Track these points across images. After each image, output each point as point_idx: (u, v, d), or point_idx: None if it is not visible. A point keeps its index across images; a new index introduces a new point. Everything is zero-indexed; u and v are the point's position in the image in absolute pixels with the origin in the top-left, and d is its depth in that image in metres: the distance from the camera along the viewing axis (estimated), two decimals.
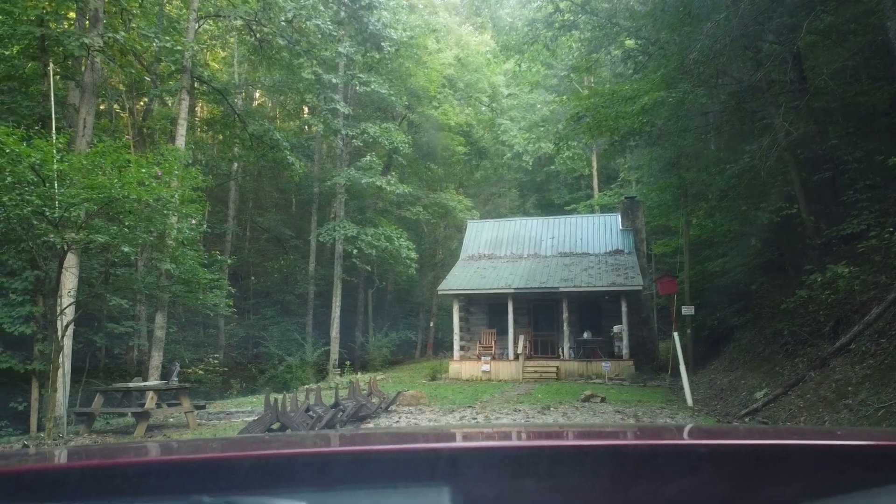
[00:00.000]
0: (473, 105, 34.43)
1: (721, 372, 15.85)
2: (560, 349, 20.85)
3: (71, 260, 14.08)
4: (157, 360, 17.52)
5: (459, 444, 1.49)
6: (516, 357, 20.39)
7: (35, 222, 9.16)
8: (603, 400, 13.42)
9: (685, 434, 1.67)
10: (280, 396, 9.98)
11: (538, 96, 37.98)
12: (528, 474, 1.17)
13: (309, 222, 30.55)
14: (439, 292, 21.87)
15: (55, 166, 8.69)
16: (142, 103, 25.02)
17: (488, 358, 20.59)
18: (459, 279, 22.12)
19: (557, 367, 19.80)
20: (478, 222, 26.89)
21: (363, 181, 24.51)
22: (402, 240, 25.44)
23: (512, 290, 20.65)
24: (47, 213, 8.77)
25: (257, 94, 36.45)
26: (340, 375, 21.53)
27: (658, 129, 15.83)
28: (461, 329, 21.67)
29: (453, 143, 31.33)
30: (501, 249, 24.49)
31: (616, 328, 20.21)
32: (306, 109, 35.27)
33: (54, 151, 8.89)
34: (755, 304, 16.21)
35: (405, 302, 36.26)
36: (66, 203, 8.74)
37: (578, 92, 40.46)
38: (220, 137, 25.58)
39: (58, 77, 17.63)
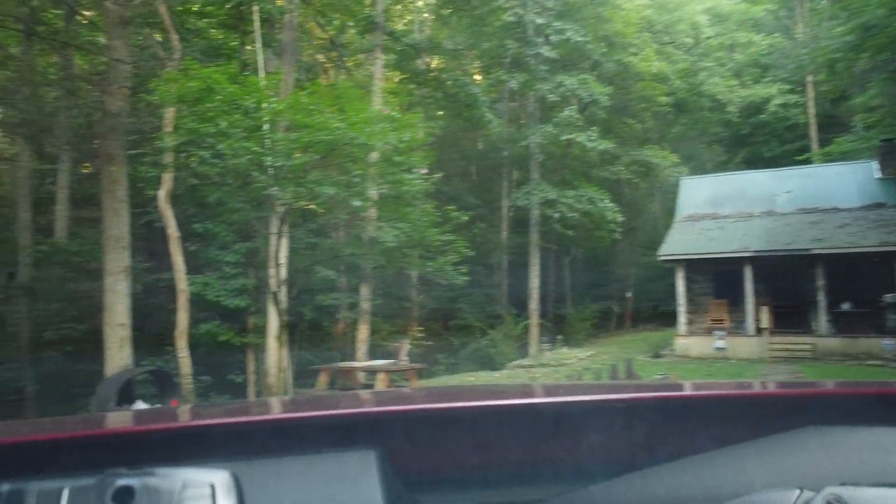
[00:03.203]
0: (671, 51, 30.82)
1: None
2: (813, 322, 17.48)
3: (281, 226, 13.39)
4: (363, 333, 16.81)
5: (382, 407, 1.50)
6: (758, 332, 17.36)
7: (256, 173, 8.06)
8: None
9: (601, 390, 1.71)
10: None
11: (744, 35, 33.38)
12: (451, 433, 1.22)
13: (491, 190, 28.94)
14: (659, 258, 19.25)
15: (273, 105, 7.48)
16: (337, 78, 24.58)
17: (723, 333, 17.76)
18: (681, 243, 19.35)
19: (814, 345, 16.54)
20: (693, 179, 23.71)
21: (562, 138, 22.32)
22: (605, 202, 23.01)
23: (750, 254, 17.57)
24: (268, 162, 7.64)
25: (434, 63, 35.33)
26: (550, 350, 19.73)
27: None
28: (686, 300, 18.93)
29: (654, 93, 28.05)
30: (725, 207, 21.23)
31: (889, 297, 16.47)
32: (478, 77, 33.60)
33: (262, 92, 7.67)
34: None
35: (599, 270, 33.67)
36: (287, 149, 7.51)
37: (790, 29, 35.23)
38: (407, 101, 24.53)
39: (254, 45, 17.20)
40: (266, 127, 8.28)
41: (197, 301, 15.32)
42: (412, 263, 13.43)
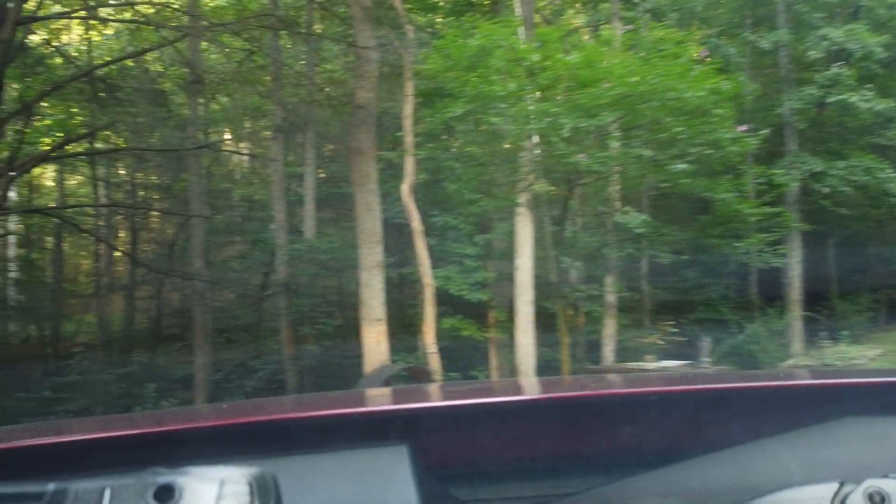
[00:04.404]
0: None
1: None
2: None
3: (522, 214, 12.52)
4: (611, 328, 15.59)
5: (415, 403, 1.50)
6: None
7: (555, 139, 7.06)
8: None
9: (635, 384, 1.68)
10: None
11: None
12: (483, 428, 1.21)
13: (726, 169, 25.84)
14: None
15: (571, 59, 6.49)
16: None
17: None
18: None
19: None
20: None
21: (829, 101, 19.15)
22: (886, 172, 19.38)
23: None
24: (568, 124, 6.60)
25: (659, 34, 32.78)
26: (826, 347, 16.90)
27: None
28: None
29: None
30: None
31: None
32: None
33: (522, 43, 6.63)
34: None
35: (863, 253, 28.97)
36: (590, 107, 6.44)
37: None
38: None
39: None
40: (526, 91, 7.36)
41: (438, 295, 15.11)
42: (719, 244, 11.80)
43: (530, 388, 1.81)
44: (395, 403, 1.54)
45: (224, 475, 0.83)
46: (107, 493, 0.82)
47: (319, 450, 1.07)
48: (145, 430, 1.29)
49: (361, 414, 1.30)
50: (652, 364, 8.92)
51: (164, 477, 0.81)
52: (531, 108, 6.61)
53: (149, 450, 1.11)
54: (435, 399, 1.62)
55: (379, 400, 1.68)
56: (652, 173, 8.38)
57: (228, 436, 1.16)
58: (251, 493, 0.82)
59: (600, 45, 6.88)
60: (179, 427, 1.26)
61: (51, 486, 0.84)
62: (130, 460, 0.97)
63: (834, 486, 0.90)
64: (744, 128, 8.77)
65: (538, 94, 6.69)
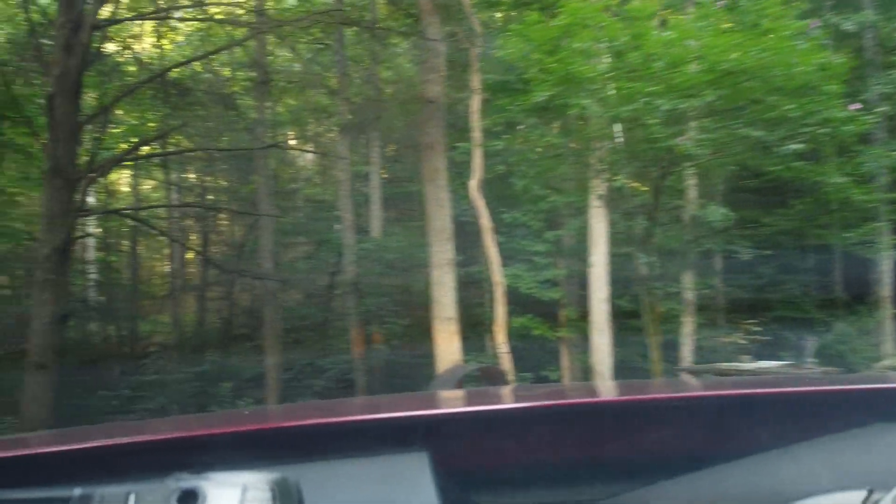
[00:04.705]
0: None
1: None
2: None
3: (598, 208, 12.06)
4: (688, 326, 14.94)
5: (434, 410, 1.50)
6: None
7: (651, 121, 6.59)
8: None
9: (655, 389, 1.78)
10: None
11: None
12: (505, 434, 1.20)
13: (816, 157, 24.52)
14: None
15: (667, 34, 6.08)
16: None
17: None
18: None
19: None
20: None
21: None
22: None
23: None
24: (664, 106, 6.20)
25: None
26: None
27: None
28: None
29: None
30: None
31: None
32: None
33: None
34: None
35: None
36: (686, 87, 6.01)
37: None
38: None
39: None
40: (616, 72, 6.94)
41: (507, 293, 14.79)
42: (823, 235, 11.09)
43: (554, 393, 1.76)
44: (416, 409, 1.52)
45: (247, 481, 0.83)
46: (131, 499, 0.83)
47: (342, 456, 1.07)
48: (169, 436, 1.30)
49: (383, 420, 1.30)
50: (748, 365, 8.34)
51: (187, 482, 0.82)
52: (625, 88, 6.21)
53: (173, 455, 1.11)
54: (457, 405, 1.60)
55: (400, 406, 1.66)
56: (758, 156, 7.78)
57: (251, 442, 1.16)
58: (274, 498, 0.82)
59: (697, 19, 6.41)
60: (203, 433, 1.27)
61: (77, 492, 0.85)
62: (154, 466, 0.98)
63: (862, 493, 0.88)
64: (857, 106, 8.06)
65: (627, 74, 6.30)
